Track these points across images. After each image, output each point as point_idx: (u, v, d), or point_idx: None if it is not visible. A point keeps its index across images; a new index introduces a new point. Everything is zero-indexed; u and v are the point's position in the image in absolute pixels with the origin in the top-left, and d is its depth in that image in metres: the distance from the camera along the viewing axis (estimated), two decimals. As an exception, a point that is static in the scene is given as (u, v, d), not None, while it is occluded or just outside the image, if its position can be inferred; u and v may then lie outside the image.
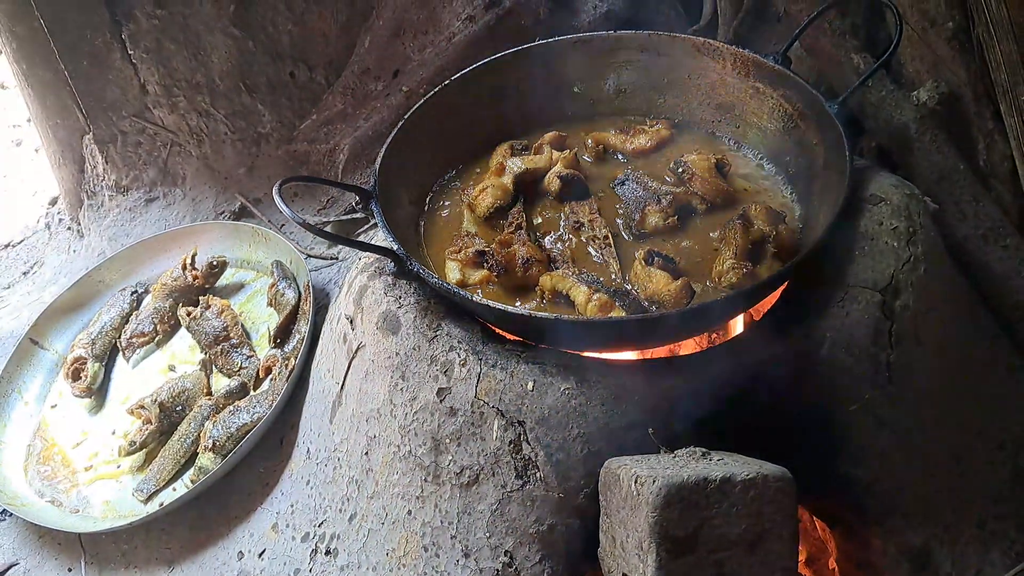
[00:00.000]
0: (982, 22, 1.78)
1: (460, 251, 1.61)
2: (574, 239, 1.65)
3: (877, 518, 1.53)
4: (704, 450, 1.34)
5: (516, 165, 1.72)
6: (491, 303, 1.44)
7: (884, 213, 1.57)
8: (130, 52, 2.40)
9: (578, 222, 1.67)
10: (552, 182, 1.74)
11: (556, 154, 1.78)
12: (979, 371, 1.65)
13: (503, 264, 1.54)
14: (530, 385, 1.45)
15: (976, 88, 1.83)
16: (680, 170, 1.70)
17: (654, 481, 1.23)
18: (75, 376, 2.09)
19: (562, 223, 1.69)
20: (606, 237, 1.64)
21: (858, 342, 1.47)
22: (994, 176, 1.83)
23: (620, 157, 1.86)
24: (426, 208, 1.83)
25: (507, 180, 1.70)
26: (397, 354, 1.55)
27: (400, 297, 1.60)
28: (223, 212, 2.48)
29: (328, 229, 2.31)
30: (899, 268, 1.51)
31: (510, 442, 1.45)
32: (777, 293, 1.55)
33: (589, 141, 1.88)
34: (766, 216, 1.59)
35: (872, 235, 1.55)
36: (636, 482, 1.26)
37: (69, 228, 2.67)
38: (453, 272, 1.61)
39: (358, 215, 2.24)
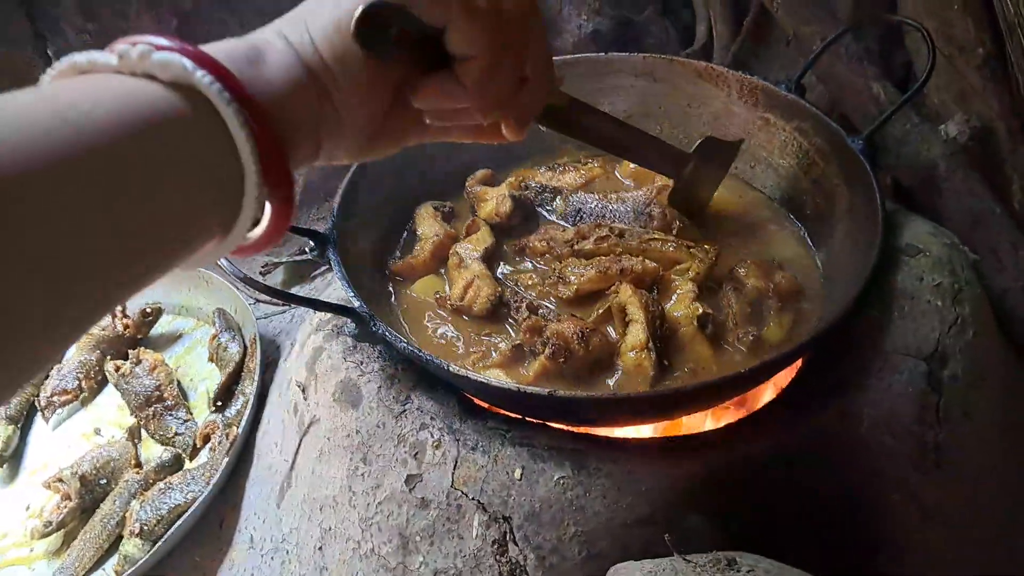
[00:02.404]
0: (1016, 48, 1.59)
1: (485, 356, 1.36)
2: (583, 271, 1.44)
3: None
4: (728, 556, 1.11)
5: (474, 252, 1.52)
6: (471, 375, 1.20)
7: (924, 266, 1.37)
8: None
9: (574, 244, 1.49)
10: (503, 203, 1.55)
11: (500, 200, 1.58)
12: (1030, 448, 1.44)
13: (564, 348, 1.28)
14: (517, 473, 1.22)
15: (1010, 122, 1.63)
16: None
17: (676, 606, 1.00)
18: (-15, 441, 1.81)
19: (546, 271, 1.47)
20: (621, 233, 1.48)
21: (901, 420, 1.26)
22: (1033, 220, 1.64)
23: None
24: (396, 254, 1.59)
25: (481, 267, 1.47)
26: (358, 432, 1.31)
27: (362, 363, 1.36)
28: (161, 251, 2.21)
29: (280, 271, 2.07)
30: (945, 332, 1.31)
31: (494, 542, 1.21)
32: (799, 361, 1.34)
33: (511, 179, 1.68)
34: (757, 271, 1.40)
35: (912, 293, 1.34)
36: (653, 605, 1.03)
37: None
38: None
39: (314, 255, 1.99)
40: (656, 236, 1.46)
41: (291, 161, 0.69)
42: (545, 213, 1.62)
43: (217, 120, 0.61)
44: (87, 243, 0.50)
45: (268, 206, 0.68)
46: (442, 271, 1.53)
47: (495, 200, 1.58)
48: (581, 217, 1.58)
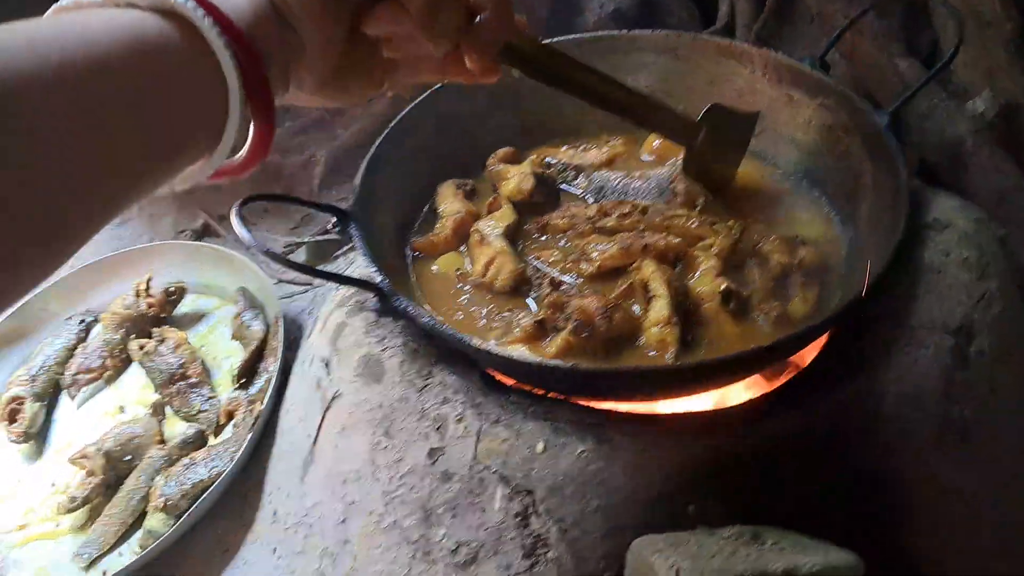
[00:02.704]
0: (1045, 24, 1.57)
1: (507, 331, 1.35)
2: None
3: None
4: (754, 530, 1.11)
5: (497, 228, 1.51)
6: (493, 348, 1.21)
7: (951, 241, 1.35)
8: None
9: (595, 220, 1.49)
10: (525, 180, 1.55)
11: (523, 177, 1.58)
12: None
13: (587, 323, 1.28)
14: (540, 446, 1.22)
15: (1037, 98, 1.61)
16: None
17: (700, 577, 1.00)
18: (11, 418, 1.82)
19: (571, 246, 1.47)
20: (644, 209, 1.47)
21: (927, 395, 1.25)
22: (1060, 197, 1.62)
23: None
24: (415, 231, 1.59)
25: (503, 243, 1.47)
26: (380, 406, 1.31)
27: (384, 338, 1.36)
28: (184, 231, 2.22)
29: (302, 251, 2.07)
30: (972, 306, 1.29)
31: (516, 514, 1.22)
32: (824, 337, 1.33)
33: (533, 157, 1.68)
34: (781, 247, 1.40)
35: (938, 267, 1.33)
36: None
37: (14, 248, 2.41)
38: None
39: (336, 236, 1.99)
40: (680, 212, 1.46)
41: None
42: (569, 190, 1.62)
43: (200, 42, 0.66)
44: (83, 146, 0.56)
45: (251, 130, 0.74)
46: (463, 248, 1.53)
47: (517, 178, 1.57)
48: (604, 194, 1.58)
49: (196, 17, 0.65)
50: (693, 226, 1.43)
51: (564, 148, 1.70)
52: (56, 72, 0.54)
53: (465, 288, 1.45)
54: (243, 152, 0.75)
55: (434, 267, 1.51)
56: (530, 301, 1.41)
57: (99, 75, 0.57)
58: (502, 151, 1.68)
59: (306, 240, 2.06)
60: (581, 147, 1.69)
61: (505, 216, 1.53)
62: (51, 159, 0.53)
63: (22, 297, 0.57)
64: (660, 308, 1.30)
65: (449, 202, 1.58)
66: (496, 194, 1.59)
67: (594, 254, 1.43)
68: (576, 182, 1.63)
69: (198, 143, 0.68)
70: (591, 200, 1.58)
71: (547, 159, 1.66)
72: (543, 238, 1.53)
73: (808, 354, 1.34)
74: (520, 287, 1.42)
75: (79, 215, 0.57)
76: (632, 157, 1.69)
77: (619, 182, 1.58)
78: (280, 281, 2.01)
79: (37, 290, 2.04)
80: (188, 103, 0.66)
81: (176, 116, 0.65)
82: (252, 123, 0.73)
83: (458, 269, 1.48)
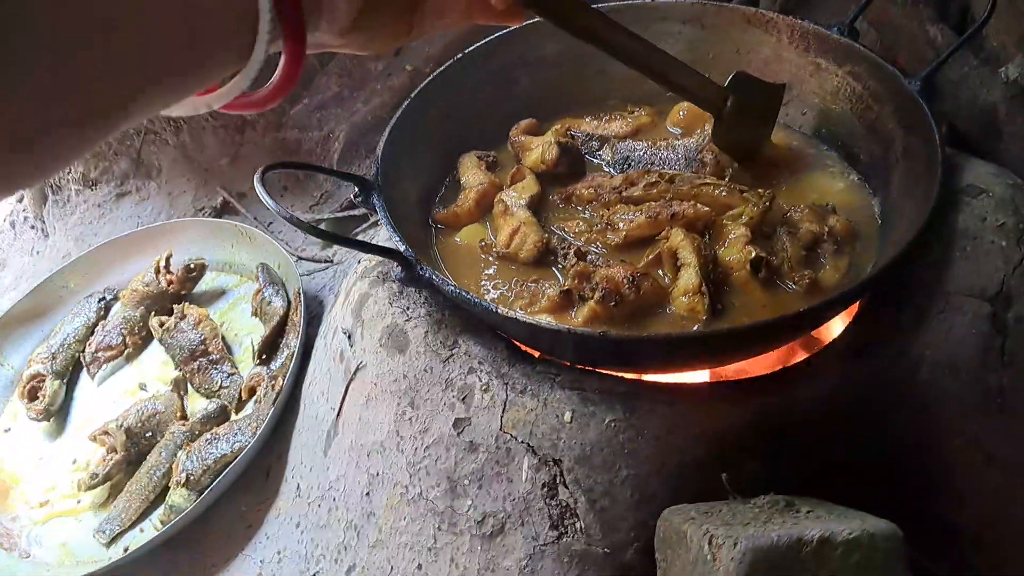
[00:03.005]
0: (1081, -13, 1.53)
1: (533, 301, 1.32)
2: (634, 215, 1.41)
3: (984, 573, 1.27)
4: (787, 499, 1.08)
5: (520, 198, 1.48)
6: (520, 316, 1.18)
7: (987, 207, 1.32)
8: (98, 28, 2.12)
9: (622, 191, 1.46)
10: (549, 150, 1.53)
11: (547, 147, 1.55)
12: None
13: (615, 292, 1.25)
14: (567, 416, 1.19)
15: (1073, 64, 1.57)
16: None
17: (735, 543, 0.97)
18: (32, 395, 1.82)
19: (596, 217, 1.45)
20: (671, 179, 1.45)
21: (964, 363, 1.22)
22: (1096, 165, 1.58)
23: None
24: (437, 203, 1.57)
25: (527, 214, 1.45)
26: (405, 376, 1.30)
27: (408, 308, 1.35)
28: (203, 208, 2.21)
29: (323, 227, 2.05)
30: (1010, 273, 1.26)
31: (543, 485, 1.20)
32: (857, 304, 1.31)
33: (557, 127, 1.65)
34: (811, 216, 1.37)
35: (974, 233, 1.30)
36: (711, 543, 1.00)
37: (33, 227, 2.40)
38: None
39: (356, 212, 1.98)
40: (708, 181, 1.43)
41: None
42: (593, 161, 1.59)
43: None
44: (119, 36, 0.57)
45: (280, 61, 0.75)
46: (486, 220, 1.51)
47: (541, 148, 1.55)
48: (629, 164, 1.55)
49: None
50: (722, 195, 1.41)
51: (588, 119, 1.67)
52: None
53: (490, 259, 1.42)
54: (273, 79, 0.76)
55: (457, 239, 1.48)
56: (556, 271, 1.38)
57: None
58: (524, 123, 1.66)
59: (326, 216, 2.04)
60: (605, 118, 1.66)
61: (529, 187, 1.50)
62: (91, 44, 0.55)
63: (46, 178, 0.59)
64: (689, 277, 1.27)
65: (472, 173, 1.56)
66: (519, 165, 1.57)
67: (620, 224, 1.40)
68: (600, 153, 1.60)
69: (228, 55, 0.69)
70: (616, 171, 1.55)
71: (571, 130, 1.63)
72: (568, 208, 1.50)
73: (841, 322, 1.31)
74: (545, 257, 1.39)
75: (109, 103, 0.59)
76: (658, 128, 1.66)
77: (645, 152, 1.55)
78: (300, 259, 2.00)
79: (56, 268, 2.04)
80: (218, 15, 0.66)
81: (205, 25, 0.65)
82: (282, 47, 0.73)
83: (482, 240, 1.45)
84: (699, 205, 1.38)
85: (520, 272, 1.40)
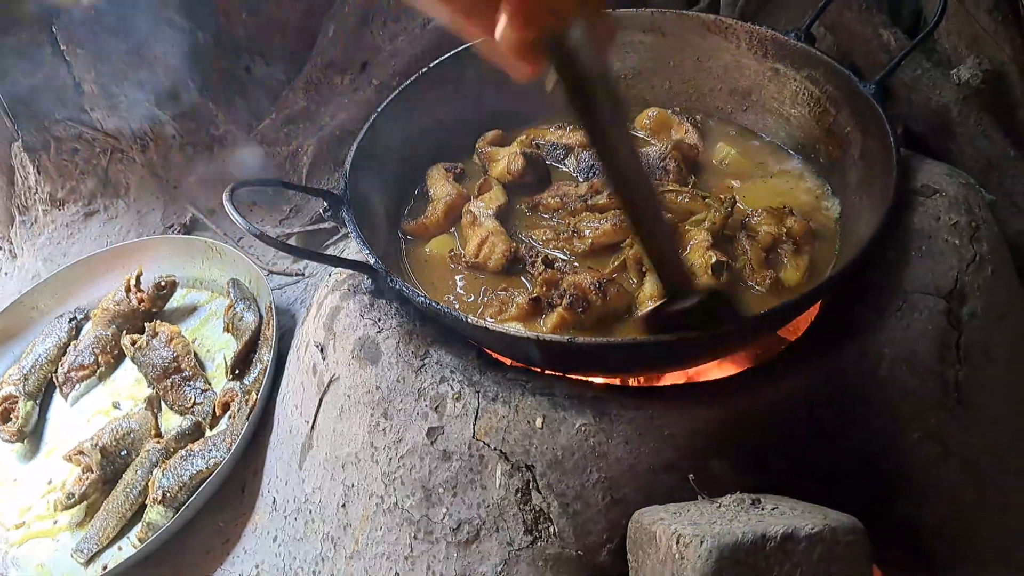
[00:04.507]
0: (1027, -11, 1.58)
1: (503, 309, 1.34)
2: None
3: (945, 564, 1.30)
4: (753, 496, 1.11)
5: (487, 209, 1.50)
6: (490, 325, 1.20)
7: (940, 206, 1.36)
8: (62, 47, 2.13)
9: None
10: (515, 161, 1.54)
11: (512, 157, 1.57)
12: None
13: (582, 298, 1.28)
14: (539, 422, 1.22)
15: (1022, 64, 1.62)
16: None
17: (701, 542, 1.00)
18: (4, 417, 1.82)
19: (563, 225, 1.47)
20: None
21: (922, 359, 1.25)
22: (1047, 162, 1.63)
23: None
24: (406, 215, 1.59)
25: (495, 224, 1.47)
26: (378, 387, 1.31)
27: (379, 320, 1.36)
28: (172, 225, 2.21)
29: (293, 241, 2.07)
30: (963, 270, 1.30)
31: (517, 490, 1.22)
32: (817, 305, 1.34)
33: (522, 137, 1.67)
34: (769, 219, 1.40)
35: (929, 232, 1.33)
36: (678, 542, 1.03)
37: (0, 248, 2.39)
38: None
39: (326, 225, 1.99)
40: (671, 188, 1.46)
41: None
42: (559, 168, 1.62)
43: None
44: None
45: None
46: (455, 230, 1.53)
47: (507, 159, 1.57)
48: (594, 172, 1.57)
49: None
50: (685, 201, 1.43)
51: (553, 129, 1.69)
52: None
53: (460, 269, 1.44)
54: None
55: (427, 249, 1.51)
56: (524, 280, 1.41)
57: None
58: (490, 133, 1.68)
59: (297, 230, 2.05)
60: (570, 127, 1.68)
61: (496, 197, 1.52)
62: None
63: None
64: (654, 282, 1.30)
65: (439, 185, 1.58)
66: (486, 176, 1.59)
67: (587, 231, 1.43)
68: (566, 161, 1.63)
69: None
70: (582, 178, 1.58)
71: (535, 140, 1.66)
72: (535, 217, 1.53)
73: (803, 322, 1.34)
74: (514, 266, 1.42)
75: None
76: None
77: None
78: (271, 273, 2.01)
79: (25, 289, 2.04)
80: None
81: None
82: None
83: (451, 251, 1.47)
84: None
85: (489, 281, 1.42)
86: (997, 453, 1.31)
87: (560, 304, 1.29)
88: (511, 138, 1.69)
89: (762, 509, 1.08)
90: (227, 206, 1.23)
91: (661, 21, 1.71)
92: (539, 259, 1.39)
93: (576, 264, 1.41)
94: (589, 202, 1.48)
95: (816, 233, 1.41)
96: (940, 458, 1.27)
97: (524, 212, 1.54)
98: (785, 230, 1.38)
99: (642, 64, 1.73)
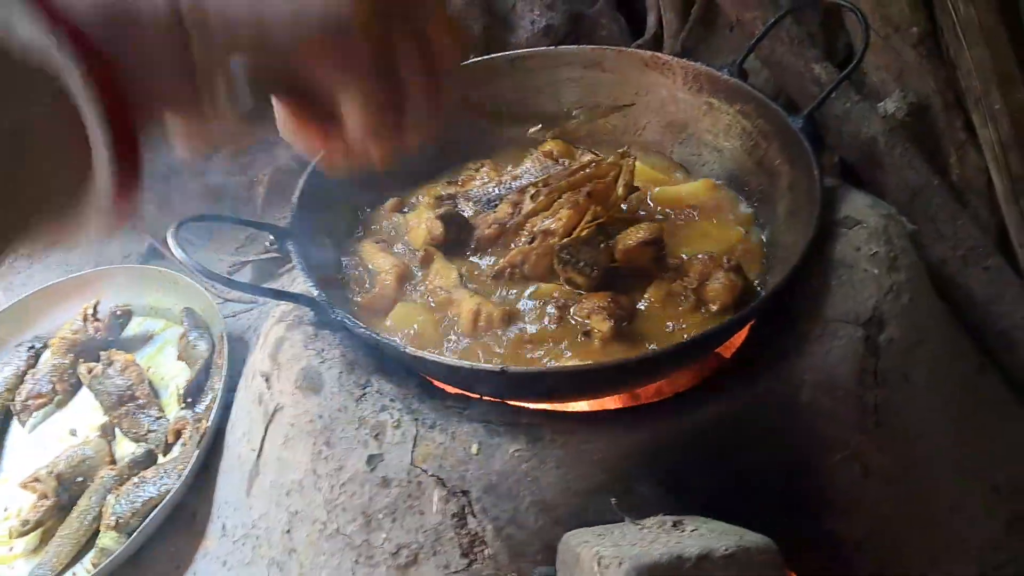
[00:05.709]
0: (949, 26, 1.65)
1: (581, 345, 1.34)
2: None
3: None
4: (675, 519, 1.16)
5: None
6: (427, 355, 1.25)
7: (861, 237, 1.42)
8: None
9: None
10: (434, 226, 1.50)
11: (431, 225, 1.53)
12: (968, 408, 1.49)
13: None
14: (474, 448, 1.26)
15: (946, 97, 1.69)
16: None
17: (620, 563, 1.04)
18: (-39, 446, 1.84)
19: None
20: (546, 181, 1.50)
21: (841, 383, 1.31)
22: (969, 190, 1.69)
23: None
24: (355, 292, 1.54)
25: (472, 295, 1.42)
26: (320, 416, 1.35)
27: (323, 351, 1.40)
28: (130, 255, 2.24)
29: (248, 270, 2.11)
30: (882, 298, 1.36)
31: (453, 515, 1.26)
32: (744, 331, 1.40)
33: (424, 199, 1.66)
34: (699, 264, 1.41)
35: (849, 262, 1.40)
36: (599, 563, 1.07)
37: (-43, 279, 2.41)
38: None
39: (280, 254, 2.03)
40: (575, 167, 1.52)
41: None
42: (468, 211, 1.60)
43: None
44: None
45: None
46: (414, 297, 1.47)
47: (424, 226, 1.54)
48: (497, 200, 1.57)
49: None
50: (595, 169, 1.48)
51: (444, 183, 1.70)
52: None
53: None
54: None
55: (388, 322, 1.43)
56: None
57: None
58: (389, 203, 1.66)
59: (251, 259, 2.09)
60: (460, 181, 1.69)
61: (446, 268, 1.48)
62: None
63: None
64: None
65: (379, 259, 1.54)
66: (425, 248, 1.53)
67: (553, 226, 1.42)
68: (462, 208, 1.60)
69: None
70: (489, 209, 1.57)
71: (440, 195, 1.65)
72: (490, 257, 1.51)
73: (730, 349, 1.40)
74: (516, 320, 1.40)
75: None
76: (500, 172, 1.70)
77: (498, 186, 1.61)
78: (225, 300, 2.04)
79: (-16, 319, 2.06)
80: None
81: None
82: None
83: (419, 319, 1.41)
84: (595, 181, 1.45)
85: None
86: (914, 470, 1.37)
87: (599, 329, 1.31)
88: (408, 198, 1.69)
89: (682, 531, 1.13)
90: (171, 243, 1.27)
91: (602, 57, 1.76)
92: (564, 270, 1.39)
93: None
94: (525, 212, 1.48)
95: (746, 265, 1.45)
96: (860, 477, 1.33)
97: (480, 257, 1.52)
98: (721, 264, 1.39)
99: (584, 98, 1.78)
